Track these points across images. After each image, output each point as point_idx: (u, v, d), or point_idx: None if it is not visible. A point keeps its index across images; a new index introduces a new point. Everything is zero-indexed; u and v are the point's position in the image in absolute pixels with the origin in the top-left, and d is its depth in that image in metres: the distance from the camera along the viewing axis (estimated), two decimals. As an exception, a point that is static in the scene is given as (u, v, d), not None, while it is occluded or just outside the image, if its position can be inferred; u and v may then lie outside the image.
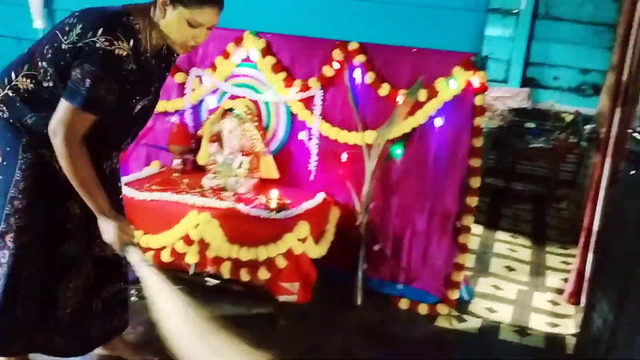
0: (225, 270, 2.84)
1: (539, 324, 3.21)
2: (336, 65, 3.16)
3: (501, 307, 3.37)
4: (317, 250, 2.97)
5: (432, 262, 3.27)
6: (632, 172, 2.64)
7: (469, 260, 3.68)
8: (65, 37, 1.91)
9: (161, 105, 3.50)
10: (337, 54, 3.14)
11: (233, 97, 3.36)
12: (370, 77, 3.11)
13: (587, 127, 5.01)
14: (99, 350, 2.52)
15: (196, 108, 3.51)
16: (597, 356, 2.48)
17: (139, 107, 2.08)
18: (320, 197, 3.19)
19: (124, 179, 3.12)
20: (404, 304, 3.26)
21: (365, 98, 3.18)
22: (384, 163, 3.17)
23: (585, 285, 3.30)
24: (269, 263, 2.79)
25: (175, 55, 2.22)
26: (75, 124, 1.90)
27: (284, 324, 2.95)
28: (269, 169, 3.31)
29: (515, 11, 5.87)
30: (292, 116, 3.33)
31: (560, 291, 3.57)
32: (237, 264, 2.84)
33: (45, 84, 1.98)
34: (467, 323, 3.16)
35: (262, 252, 2.79)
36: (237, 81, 3.38)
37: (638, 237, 2.28)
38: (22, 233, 2.06)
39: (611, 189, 3.13)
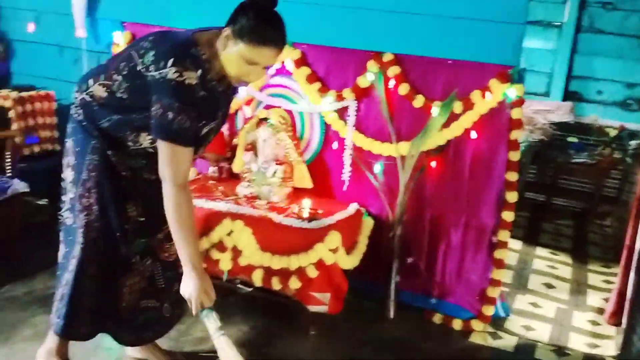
0: (257, 278, 2.86)
1: (578, 344, 3.12)
2: (370, 76, 3.16)
3: (539, 325, 3.28)
4: (348, 261, 2.96)
5: (466, 276, 3.22)
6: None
7: (505, 276, 3.61)
8: (140, 60, 2.01)
9: (198, 115, 3.56)
10: (371, 65, 3.14)
11: (268, 107, 3.39)
12: (404, 89, 3.10)
13: (632, 142, 4.87)
14: (130, 352, 2.56)
15: (232, 117, 3.55)
16: (637, 378, 2.39)
17: (205, 130, 2.15)
18: (352, 207, 3.18)
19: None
20: (437, 318, 3.21)
21: (400, 109, 3.17)
22: (418, 175, 3.14)
23: (627, 305, 3.19)
24: (300, 272, 2.79)
25: None
26: (177, 162, 2.00)
27: (314, 334, 2.93)
28: (303, 178, 3.32)
29: (558, 23, 5.78)
30: (326, 126, 3.33)
31: (601, 311, 3.46)
32: (268, 272, 2.85)
33: (118, 95, 2.10)
34: (502, 340, 3.09)
35: (293, 261, 2.79)
36: (272, 91, 3.41)
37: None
38: (89, 229, 2.19)
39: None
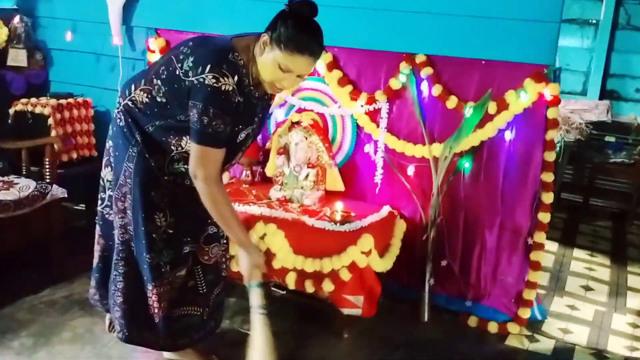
0: (291, 281, 2.87)
1: (617, 347, 3.06)
2: (403, 78, 3.14)
3: (577, 328, 3.23)
4: (381, 264, 2.95)
5: (502, 279, 3.18)
6: None
7: (542, 278, 3.56)
8: (180, 65, 2.05)
9: (231, 119, 3.59)
10: (404, 66, 3.13)
11: (300, 110, 3.41)
12: (437, 90, 3.08)
13: (672, 141, 4.75)
14: (167, 354, 2.59)
15: (265, 121, 3.58)
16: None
17: (242, 135, 2.19)
18: (385, 210, 3.17)
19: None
20: (472, 321, 3.17)
21: (432, 111, 3.15)
22: (451, 177, 3.11)
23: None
24: (333, 275, 2.79)
25: None
26: (208, 162, 2.06)
27: (347, 338, 2.93)
28: (335, 181, 3.32)
29: (594, 21, 5.67)
30: (358, 129, 3.33)
31: (641, 313, 3.39)
32: (302, 275, 2.86)
33: (158, 99, 2.15)
34: (539, 343, 3.05)
35: (326, 264, 2.79)
36: (304, 95, 3.43)
37: None
38: (124, 231, 2.28)
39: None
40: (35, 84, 4.17)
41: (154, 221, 2.23)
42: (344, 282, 2.78)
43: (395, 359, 2.83)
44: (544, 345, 3.04)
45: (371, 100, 3.22)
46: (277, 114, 3.52)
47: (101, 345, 2.71)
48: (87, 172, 3.85)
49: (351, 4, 3.25)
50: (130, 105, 2.23)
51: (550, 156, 2.98)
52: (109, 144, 2.33)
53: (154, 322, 2.34)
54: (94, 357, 2.62)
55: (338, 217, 2.95)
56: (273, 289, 3.02)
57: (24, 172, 3.48)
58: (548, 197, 3.02)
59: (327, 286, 2.79)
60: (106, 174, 2.34)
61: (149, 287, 2.29)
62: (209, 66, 1.98)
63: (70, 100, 3.92)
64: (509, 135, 3.02)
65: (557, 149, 3.10)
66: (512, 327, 3.10)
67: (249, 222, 2.94)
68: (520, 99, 2.92)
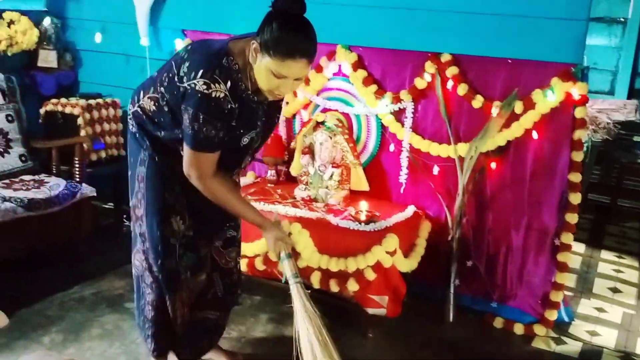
0: (315, 280, 2.88)
1: (646, 350, 3.01)
2: (428, 77, 3.14)
3: (604, 330, 3.18)
4: (406, 264, 2.95)
5: (528, 280, 3.15)
6: None
7: (569, 279, 3.52)
8: (177, 71, 1.99)
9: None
10: (429, 66, 3.12)
11: (325, 110, 3.42)
12: (463, 89, 3.06)
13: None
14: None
15: (290, 121, 3.60)
16: None
17: (246, 139, 2.11)
18: (410, 210, 3.16)
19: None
20: (498, 322, 3.15)
21: (458, 110, 3.13)
22: (477, 177, 3.10)
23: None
24: (358, 275, 2.80)
25: None
26: (200, 164, 2.02)
27: (373, 337, 2.93)
28: (359, 180, 3.32)
29: (622, 19, 5.58)
30: (383, 128, 3.33)
31: (671, 316, 3.33)
32: (326, 275, 2.87)
33: (166, 109, 2.09)
34: (566, 346, 3.01)
35: (351, 264, 2.80)
36: (329, 94, 3.44)
37: None
38: (145, 239, 2.24)
39: None
40: (65, 84, 4.25)
41: (171, 225, 2.19)
42: (368, 282, 2.78)
43: (420, 359, 2.83)
44: (571, 347, 3.00)
45: (396, 99, 3.22)
46: (303, 113, 3.53)
47: (129, 341, 2.75)
48: (115, 171, 3.91)
49: (376, 4, 3.25)
50: (139, 112, 2.19)
51: (578, 156, 2.95)
52: (128, 151, 2.32)
53: (175, 331, 2.34)
54: (122, 354, 2.66)
55: (363, 217, 2.95)
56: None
57: (54, 171, 3.55)
58: (575, 198, 2.98)
59: (352, 286, 2.80)
60: (129, 183, 2.32)
61: (168, 296, 2.27)
62: (201, 71, 1.91)
63: (99, 100, 3.99)
64: (535, 135, 2.99)
65: (585, 149, 3.07)
66: (539, 329, 3.07)
67: (274, 221, 2.96)
68: (547, 99, 2.90)
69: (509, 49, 2.99)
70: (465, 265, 3.21)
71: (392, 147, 3.32)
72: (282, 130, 3.59)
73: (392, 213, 3.07)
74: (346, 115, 3.39)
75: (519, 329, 3.09)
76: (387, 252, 2.77)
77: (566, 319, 3.18)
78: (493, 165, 3.09)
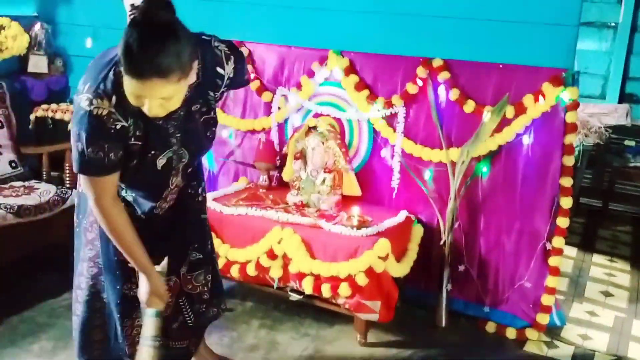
0: (307, 286, 2.87)
1: (638, 353, 3.02)
2: (420, 82, 3.14)
3: (596, 334, 3.19)
4: (399, 269, 2.94)
5: (520, 284, 3.15)
6: None
7: (561, 283, 3.53)
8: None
9: (249, 124, 3.61)
10: (420, 70, 3.12)
11: (317, 115, 3.41)
12: (454, 94, 3.07)
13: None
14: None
15: (282, 126, 3.59)
16: None
17: (162, 160, 1.88)
18: (402, 215, 3.16)
19: (213, 194, 3.25)
20: (490, 327, 3.15)
21: (450, 115, 3.14)
22: (469, 181, 3.10)
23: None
24: (350, 280, 2.79)
25: (211, 94, 1.94)
26: (94, 187, 1.79)
27: (365, 343, 2.93)
28: (351, 186, 3.32)
29: (613, 24, 5.62)
30: (375, 133, 3.33)
31: (662, 320, 3.34)
32: (318, 280, 2.86)
33: None
34: (558, 350, 3.02)
35: (343, 269, 2.79)
36: (321, 99, 3.43)
37: None
38: (92, 265, 2.11)
39: None
40: (56, 90, 4.23)
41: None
42: (361, 287, 2.78)
43: (412, 365, 2.83)
44: (563, 351, 3.01)
45: (388, 104, 3.22)
46: (294, 118, 3.53)
47: (120, 348, 2.73)
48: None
49: (367, 9, 3.25)
50: None
51: (569, 160, 2.96)
52: None
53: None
54: (112, 361, 2.63)
55: (355, 222, 2.95)
56: (290, 293, 3.02)
57: (45, 177, 3.53)
58: (567, 202, 2.99)
59: (344, 291, 2.79)
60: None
61: (127, 320, 2.10)
62: (87, 85, 1.70)
63: (90, 105, 3.97)
64: (527, 140, 3.00)
65: (576, 153, 3.08)
66: (531, 333, 3.07)
67: (265, 227, 2.96)
68: (539, 103, 2.91)
69: (500, 54, 3.00)
70: (458, 270, 3.21)
71: (384, 152, 3.32)
72: (274, 135, 3.58)
73: (384, 218, 3.06)
74: (338, 120, 3.39)
75: (511, 333, 3.09)
76: (379, 257, 2.77)
77: (558, 323, 3.18)
78: (485, 169, 3.09)
